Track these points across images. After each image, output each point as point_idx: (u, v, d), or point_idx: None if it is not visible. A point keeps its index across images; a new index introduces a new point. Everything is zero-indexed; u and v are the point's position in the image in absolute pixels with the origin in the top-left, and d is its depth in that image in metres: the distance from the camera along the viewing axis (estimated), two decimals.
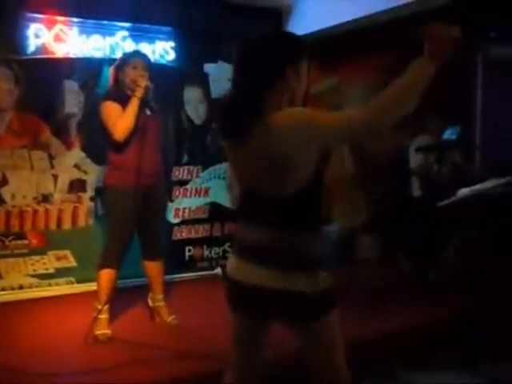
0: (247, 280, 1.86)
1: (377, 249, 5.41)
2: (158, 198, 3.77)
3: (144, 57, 3.72)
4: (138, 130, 3.49)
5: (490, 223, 4.56)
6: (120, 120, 3.44)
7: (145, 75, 3.53)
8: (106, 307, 3.54)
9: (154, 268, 3.76)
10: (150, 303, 3.86)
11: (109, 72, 3.78)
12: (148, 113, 3.61)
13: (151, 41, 5.30)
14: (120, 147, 3.51)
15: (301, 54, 1.89)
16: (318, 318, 1.85)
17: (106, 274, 3.54)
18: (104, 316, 3.53)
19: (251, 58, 1.88)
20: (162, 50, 5.36)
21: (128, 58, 3.63)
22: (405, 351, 3.47)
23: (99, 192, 4.59)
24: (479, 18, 4.70)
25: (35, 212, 4.50)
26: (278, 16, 5.86)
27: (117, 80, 3.62)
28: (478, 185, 4.42)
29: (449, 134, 4.88)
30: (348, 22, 5.06)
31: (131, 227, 3.59)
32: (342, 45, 5.23)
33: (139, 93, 3.48)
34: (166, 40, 5.37)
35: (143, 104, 3.53)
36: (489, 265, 4.38)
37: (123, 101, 3.49)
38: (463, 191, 4.44)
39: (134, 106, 3.46)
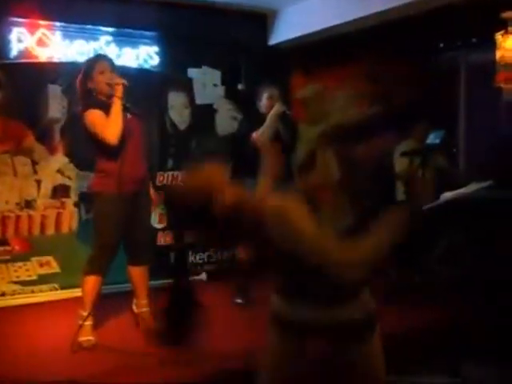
0: (297, 318, 1.90)
1: None
2: (143, 204, 3.76)
3: (107, 59, 3.66)
4: (122, 135, 3.46)
5: (474, 227, 4.59)
6: (108, 124, 3.41)
7: (114, 77, 3.51)
8: (91, 314, 3.51)
9: (138, 273, 3.74)
10: (135, 309, 3.84)
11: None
12: (128, 116, 3.58)
13: (135, 45, 5.29)
14: (107, 153, 3.48)
15: None
16: (366, 340, 1.92)
17: (92, 281, 3.51)
18: (88, 322, 3.50)
19: None
20: (145, 54, 5.36)
21: (92, 64, 3.55)
22: (389, 356, 3.48)
23: (83, 197, 4.56)
24: (460, 25, 4.75)
25: (18, 218, 4.46)
26: (263, 21, 5.88)
27: (87, 89, 3.53)
28: (461, 188, 4.46)
29: (432, 139, 4.91)
30: (332, 28, 5.09)
31: (118, 233, 3.56)
32: (325, 50, 5.25)
33: (119, 92, 3.45)
34: (150, 45, 5.37)
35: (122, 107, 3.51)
36: (473, 268, 4.41)
37: (103, 107, 3.46)
38: (446, 195, 4.47)
39: (117, 106, 3.44)
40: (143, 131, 3.75)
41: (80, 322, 3.48)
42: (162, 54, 5.39)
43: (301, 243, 1.75)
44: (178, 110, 5.18)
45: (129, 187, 3.51)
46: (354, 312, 1.88)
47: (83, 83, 3.54)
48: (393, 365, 3.30)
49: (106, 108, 3.45)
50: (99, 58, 3.68)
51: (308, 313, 1.87)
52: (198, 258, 5.25)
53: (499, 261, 4.23)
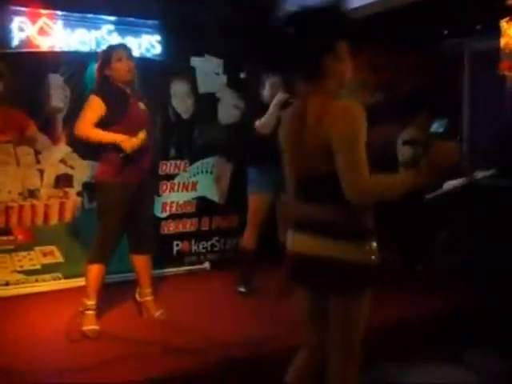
0: (304, 251, 2.01)
1: None
2: (147, 193, 3.76)
3: (125, 47, 3.72)
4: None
5: (477, 214, 4.58)
6: (91, 128, 3.44)
7: (131, 66, 3.56)
8: (94, 302, 3.53)
9: (141, 262, 3.75)
10: (138, 298, 3.85)
11: (94, 67, 3.74)
12: (142, 107, 3.62)
13: (137, 34, 5.28)
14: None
15: (348, 31, 2.05)
16: (355, 289, 1.97)
17: (96, 269, 3.52)
18: (92, 312, 3.52)
19: (303, 34, 2.05)
20: (148, 43, 5.34)
21: (110, 52, 3.62)
22: (392, 344, 3.49)
23: (86, 187, 4.56)
24: (465, 13, 4.72)
25: (21, 208, 4.46)
26: (265, 10, 5.84)
27: (104, 75, 3.59)
28: (464, 177, 4.45)
29: (436, 127, 4.90)
30: None
31: (122, 222, 3.57)
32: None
33: (126, 149, 3.43)
34: (152, 34, 5.35)
35: (137, 98, 3.58)
36: (475, 255, 4.41)
37: (113, 95, 3.50)
38: (450, 183, 4.47)
39: (114, 138, 3.44)
40: (151, 121, 3.76)
41: (80, 309, 3.50)
42: (165, 42, 5.37)
43: (352, 146, 1.85)
44: (180, 99, 5.16)
45: (134, 176, 3.52)
46: (364, 256, 1.94)
47: (101, 70, 3.61)
48: (395, 353, 3.32)
49: (116, 96, 3.50)
50: (117, 47, 3.75)
51: (315, 243, 1.96)
52: (201, 247, 5.25)
53: (502, 248, 4.22)
